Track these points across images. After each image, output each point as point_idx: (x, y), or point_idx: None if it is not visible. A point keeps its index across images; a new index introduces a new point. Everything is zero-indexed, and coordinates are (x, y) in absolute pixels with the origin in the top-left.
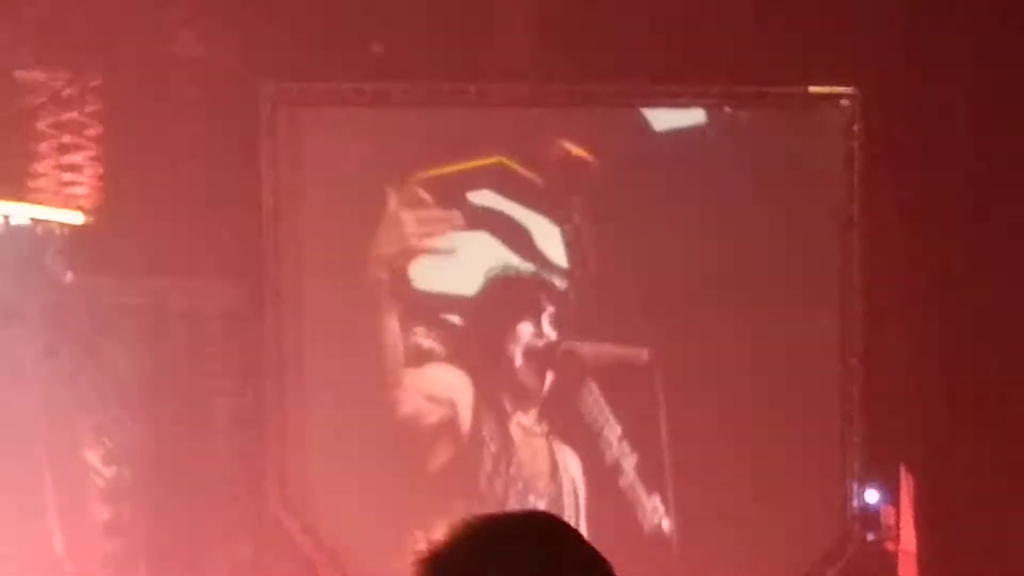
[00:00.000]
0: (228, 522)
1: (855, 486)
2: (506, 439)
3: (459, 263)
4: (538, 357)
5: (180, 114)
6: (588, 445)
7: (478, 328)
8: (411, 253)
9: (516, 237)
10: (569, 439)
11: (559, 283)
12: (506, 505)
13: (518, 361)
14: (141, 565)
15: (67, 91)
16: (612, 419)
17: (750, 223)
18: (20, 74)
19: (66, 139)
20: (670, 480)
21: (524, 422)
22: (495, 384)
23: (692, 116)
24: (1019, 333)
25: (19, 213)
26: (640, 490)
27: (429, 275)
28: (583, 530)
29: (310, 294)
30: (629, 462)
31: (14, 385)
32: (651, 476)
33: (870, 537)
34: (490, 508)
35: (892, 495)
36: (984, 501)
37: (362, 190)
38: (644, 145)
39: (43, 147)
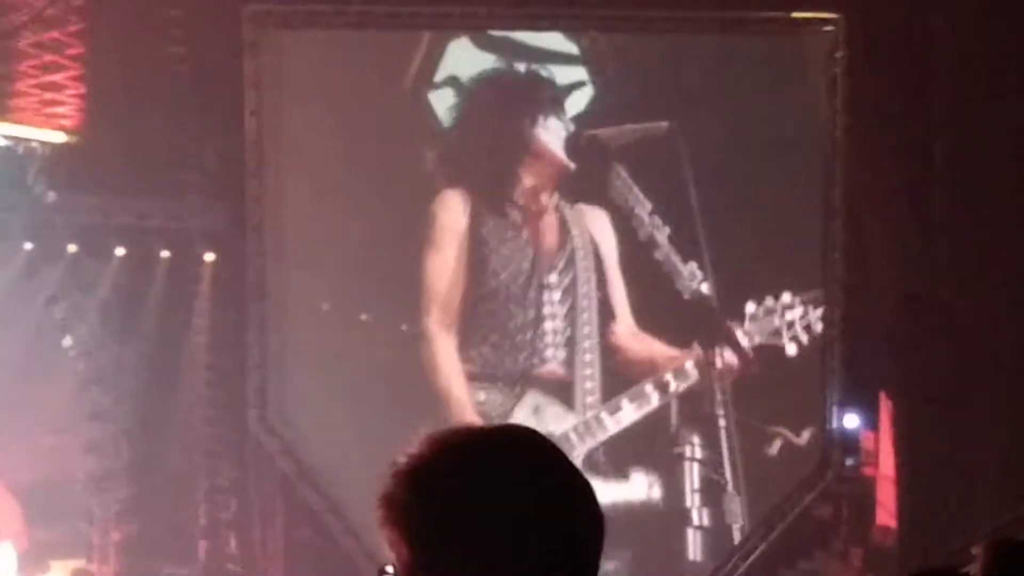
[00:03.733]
0: (209, 443)
1: (835, 410)
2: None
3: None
4: (559, 141)
5: (162, 35)
6: (616, 223)
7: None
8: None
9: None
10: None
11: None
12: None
13: (545, 149)
14: (123, 485)
15: (49, 10)
16: (642, 196)
17: (736, 147)
18: None
19: (48, 58)
20: (705, 245)
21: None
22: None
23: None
24: (998, 262)
25: (1, 133)
26: (676, 259)
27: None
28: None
29: (292, 215)
30: (662, 234)
31: None
32: (685, 245)
33: (849, 462)
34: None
35: (871, 421)
36: (962, 427)
37: (345, 111)
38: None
39: (25, 66)
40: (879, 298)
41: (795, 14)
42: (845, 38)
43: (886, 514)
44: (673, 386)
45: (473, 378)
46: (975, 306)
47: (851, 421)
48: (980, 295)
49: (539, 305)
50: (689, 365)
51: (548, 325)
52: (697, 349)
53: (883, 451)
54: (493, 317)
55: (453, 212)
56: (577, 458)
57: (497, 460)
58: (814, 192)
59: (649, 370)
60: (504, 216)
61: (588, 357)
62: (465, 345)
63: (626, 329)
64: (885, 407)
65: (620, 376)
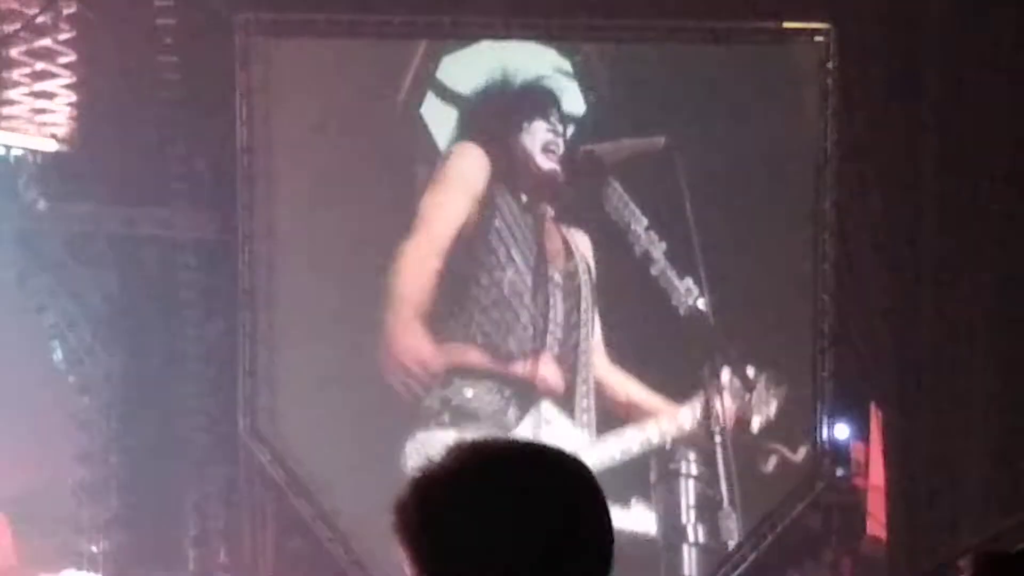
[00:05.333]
0: (200, 451)
1: (825, 421)
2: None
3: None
4: (555, 154)
5: (154, 43)
6: (608, 235)
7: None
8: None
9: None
10: (583, 225)
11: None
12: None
13: (535, 156)
14: (113, 493)
15: (41, 18)
16: (638, 212)
17: (726, 158)
18: None
19: (39, 67)
20: (700, 261)
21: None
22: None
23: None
24: (988, 271)
25: None
26: (672, 275)
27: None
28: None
29: (283, 225)
30: (658, 250)
31: None
32: (681, 260)
33: (839, 472)
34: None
35: (862, 431)
36: (952, 438)
37: (337, 120)
38: (624, 81)
39: (16, 74)
40: (869, 310)
41: (786, 24)
42: (836, 48)
43: (876, 524)
44: (655, 439)
45: (463, 372)
46: (965, 319)
47: (841, 432)
48: (970, 308)
49: (546, 295)
50: (671, 417)
51: (552, 316)
52: (682, 400)
53: (873, 462)
54: (500, 291)
55: (471, 160)
56: None
57: (512, 477)
58: (805, 203)
59: (625, 414)
60: (518, 202)
61: (584, 374)
62: (465, 319)
63: (602, 361)
64: (875, 418)
65: (607, 412)
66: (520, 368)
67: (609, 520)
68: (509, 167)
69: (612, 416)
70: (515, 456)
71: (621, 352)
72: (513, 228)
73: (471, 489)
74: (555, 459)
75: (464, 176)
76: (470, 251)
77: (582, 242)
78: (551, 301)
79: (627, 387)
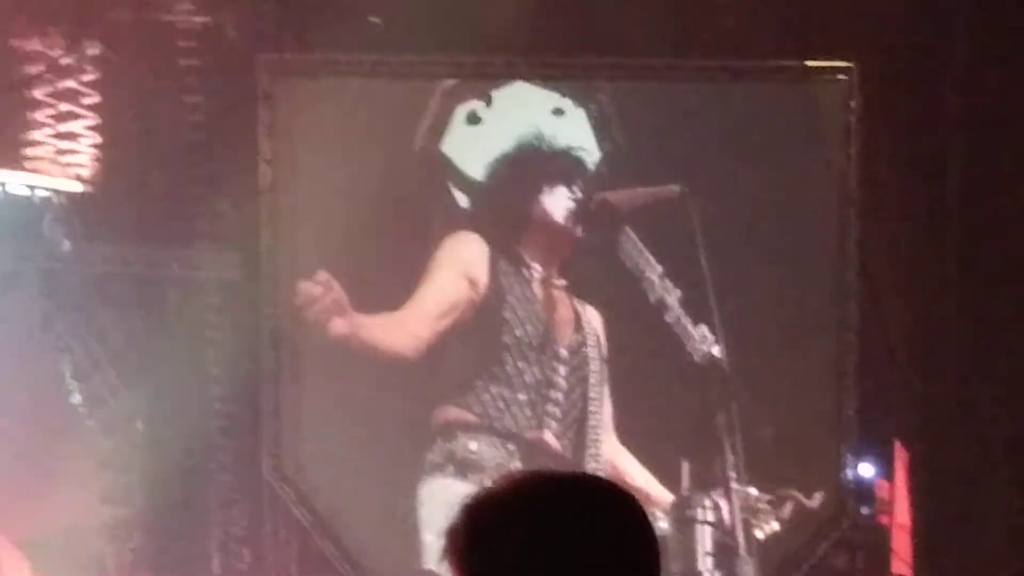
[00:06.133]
0: (223, 492)
1: (849, 459)
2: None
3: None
4: (572, 214)
5: (177, 84)
6: (625, 291)
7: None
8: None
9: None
10: (595, 292)
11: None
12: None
13: (553, 220)
14: (137, 534)
15: (65, 60)
16: (652, 260)
17: (748, 197)
18: (17, 43)
19: (63, 108)
20: (715, 308)
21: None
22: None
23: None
24: (1016, 310)
25: (16, 182)
26: (687, 322)
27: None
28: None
29: (306, 264)
30: (673, 297)
31: (10, 354)
32: (696, 307)
33: (864, 511)
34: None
35: (886, 469)
36: (978, 475)
37: (359, 161)
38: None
39: (40, 116)
40: (893, 347)
41: (808, 62)
42: (859, 86)
43: (901, 563)
44: (665, 524)
45: (466, 427)
46: (990, 356)
47: (866, 470)
48: (996, 346)
49: (548, 371)
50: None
51: (553, 394)
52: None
53: (898, 500)
54: (502, 368)
55: (465, 245)
56: None
57: (563, 502)
58: (828, 243)
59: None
60: (523, 276)
61: (593, 450)
62: (462, 387)
63: (612, 441)
64: (900, 456)
65: None
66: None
67: (658, 551)
68: (520, 232)
69: None
70: (567, 483)
71: (635, 414)
72: (522, 300)
73: (522, 512)
74: (607, 487)
75: (456, 256)
76: (480, 331)
77: (593, 316)
78: (554, 378)
79: (638, 474)
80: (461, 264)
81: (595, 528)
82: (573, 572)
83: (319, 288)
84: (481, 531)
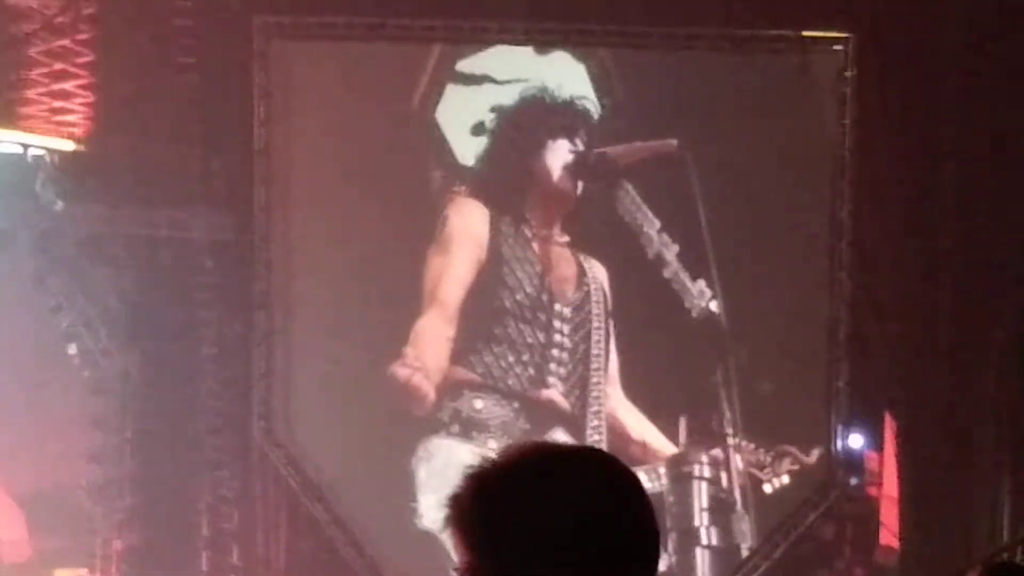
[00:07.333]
0: (214, 453)
1: (840, 430)
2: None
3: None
4: (572, 168)
5: (173, 45)
6: (623, 246)
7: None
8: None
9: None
10: (597, 247)
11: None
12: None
13: (554, 174)
14: (126, 493)
15: (60, 18)
16: (650, 214)
17: (745, 161)
18: (13, 1)
19: (58, 66)
20: (714, 264)
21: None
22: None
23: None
24: (1006, 281)
25: (10, 140)
26: (685, 277)
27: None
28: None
29: (299, 226)
30: (671, 252)
31: (3, 312)
32: (694, 263)
33: (853, 482)
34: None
35: (876, 441)
36: (965, 449)
37: (354, 123)
38: (639, 87)
39: (35, 74)
40: (885, 318)
41: (805, 33)
42: (855, 57)
43: (889, 534)
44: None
45: (472, 386)
46: (982, 328)
47: (856, 441)
48: (987, 319)
49: (549, 331)
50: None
51: (555, 353)
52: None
53: (887, 471)
54: (504, 329)
55: (469, 218)
56: None
57: (565, 471)
58: (822, 211)
59: (641, 452)
60: (523, 238)
61: (596, 407)
62: (466, 350)
63: (617, 395)
64: (890, 427)
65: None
66: (524, 389)
67: (653, 517)
68: (522, 188)
69: (623, 454)
70: (567, 453)
71: (634, 368)
72: (522, 261)
73: (525, 479)
74: (605, 458)
75: (468, 233)
76: (482, 296)
77: (599, 271)
78: (556, 338)
79: (642, 427)
80: (471, 240)
81: (596, 500)
82: (575, 542)
83: (406, 370)
84: (486, 500)
